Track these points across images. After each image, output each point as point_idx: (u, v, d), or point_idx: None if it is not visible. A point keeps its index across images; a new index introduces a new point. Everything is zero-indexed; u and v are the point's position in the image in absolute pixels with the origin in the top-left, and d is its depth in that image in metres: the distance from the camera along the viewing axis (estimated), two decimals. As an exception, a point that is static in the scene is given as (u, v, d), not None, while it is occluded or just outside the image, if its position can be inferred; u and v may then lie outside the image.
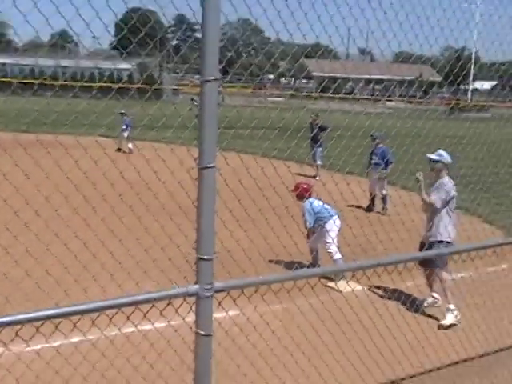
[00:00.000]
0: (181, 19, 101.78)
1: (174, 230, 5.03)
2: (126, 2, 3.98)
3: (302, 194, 11.87)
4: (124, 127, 29.52)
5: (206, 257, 3.70)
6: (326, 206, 11.52)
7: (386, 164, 17.90)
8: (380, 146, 18.50)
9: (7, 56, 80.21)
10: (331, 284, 10.07)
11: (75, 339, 4.77)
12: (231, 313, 5.24)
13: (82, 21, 3.76)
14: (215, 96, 3.63)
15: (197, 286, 3.73)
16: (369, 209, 18.34)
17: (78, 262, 5.93)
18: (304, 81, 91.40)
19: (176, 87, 77.23)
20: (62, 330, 3.83)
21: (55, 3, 3.58)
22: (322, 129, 21.83)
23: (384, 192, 18.33)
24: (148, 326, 4.69)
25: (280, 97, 71.47)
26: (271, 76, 79.37)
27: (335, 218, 11.64)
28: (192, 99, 45.21)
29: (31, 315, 3.39)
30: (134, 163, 4.99)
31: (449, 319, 9.66)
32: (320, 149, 23.06)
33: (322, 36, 4.71)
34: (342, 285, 9.78)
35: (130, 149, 28.01)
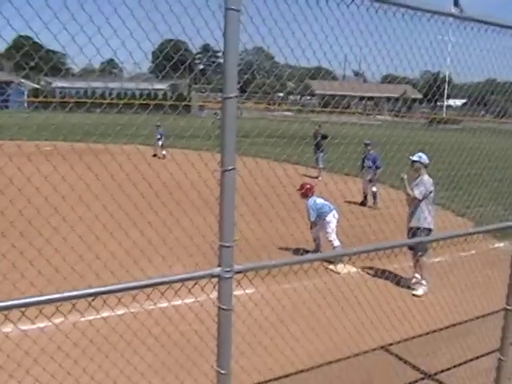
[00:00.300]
0: (206, 47, 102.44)
1: (200, 221, 5.01)
2: (162, 35, 4.00)
3: (306, 192, 11.82)
4: (158, 137, 29.60)
5: (226, 244, 3.69)
6: (326, 202, 11.70)
7: (377, 168, 18.35)
8: (371, 152, 18.59)
9: (66, 81, 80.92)
10: (331, 267, 10.08)
11: (120, 311, 4.76)
12: (248, 291, 5.22)
13: (126, 50, 3.80)
14: (234, 110, 3.62)
15: (219, 269, 3.71)
16: (362, 203, 18.45)
17: (121, 248, 5.92)
18: (308, 97, 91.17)
19: (202, 104, 77.40)
20: (109, 304, 3.85)
21: (104, 36, 3.60)
22: (324, 137, 22.25)
23: (374, 189, 18.35)
24: (179, 302, 4.67)
25: (288, 111, 71.38)
26: (281, 94, 79.38)
27: (334, 212, 11.64)
28: (215, 113, 45.29)
29: (87, 291, 3.39)
30: (168, 167, 4.99)
31: (420, 291, 9.96)
32: (322, 154, 23.20)
33: (323, 60, 4.71)
34: (340, 267, 9.82)
35: (163, 154, 28.06)
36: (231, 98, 3.56)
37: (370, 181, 18.40)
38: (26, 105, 72.52)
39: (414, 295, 9.75)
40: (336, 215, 11.64)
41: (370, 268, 10.33)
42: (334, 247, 11.14)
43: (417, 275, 10.17)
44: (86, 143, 5.47)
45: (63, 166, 4.79)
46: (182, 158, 5.16)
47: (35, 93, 79.39)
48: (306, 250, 11.68)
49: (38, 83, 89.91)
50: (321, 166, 23.60)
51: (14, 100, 71.66)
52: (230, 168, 3.60)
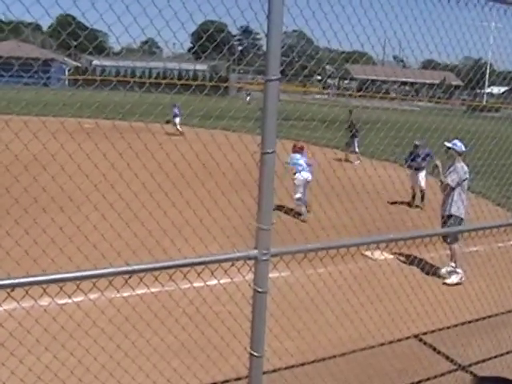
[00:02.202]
0: (246, 29, 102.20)
1: (238, 203, 4.99)
2: (206, 15, 3.99)
3: (295, 150, 13.72)
4: (175, 113, 29.97)
5: (264, 227, 3.67)
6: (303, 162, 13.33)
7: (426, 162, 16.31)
8: (423, 149, 16.37)
9: (107, 59, 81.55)
10: (367, 253, 9.97)
11: (155, 289, 4.78)
12: (283, 274, 5.22)
13: (169, 30, 3.79)
14: (276, 92, 3.59)
15: (256, 251, 3.70)
16: (409, 204, 16.37)
17: (159, 227, 5.95)
18: (347, 82, 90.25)
19: (240, 85, 77.29)
20: (145, 282, 3.88)
21: (149, 16, 3.60)
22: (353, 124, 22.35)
23: (423, 185, 16.49)
24: (214, 282, 4.68)
25: (328, 95, 70.86)
26: (319, 77, 78.79)
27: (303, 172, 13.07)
28: (248, 94, 45.30)
29: (124, 269, 3.43)
30: (208, 148, 4.97)
31: (453, 279, 9.87)
32: (356, 139, 23.29)
33: (364, 45, 4.65)
34: (377, 254, 9.71)
35: (180, 131, 27.45)
36: (273, 80, 3.53)
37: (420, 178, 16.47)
38: (66, 82, 73.39)
39: (444, 283, 9.65)
40: (305, 175, 13.02)
41: (407, 255, 10.22)
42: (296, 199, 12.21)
43: (452, 264, 10.06)
44: (127, 121, 5.46)
45: (104, 144, 4.82)
46: (223, 140, 5.15)
47: (76, 71, 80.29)
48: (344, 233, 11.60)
49: (79, 61, 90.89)
50: (356, 150, 23.51)
51: (55, 78, 72.63)
52: (270, 151, 3.58)
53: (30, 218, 5.75)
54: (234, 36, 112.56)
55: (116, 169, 5.14)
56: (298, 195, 12.69)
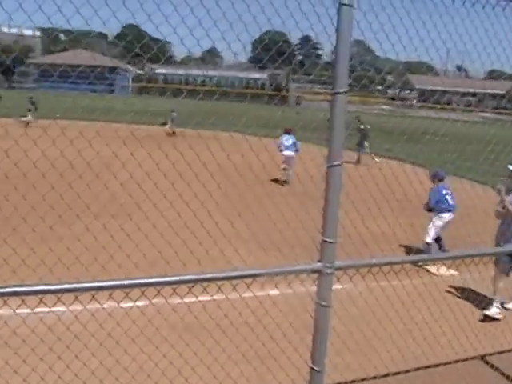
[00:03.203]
0: (306, 39, 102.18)
1: (303, 215, 4.97)
2: (261, 27, 4.00)
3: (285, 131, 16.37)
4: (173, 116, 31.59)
5: (329, 240, 3.64)
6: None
7: None
8: None
9: (168, 68, 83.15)
10: (433, 268, 9.75)
11: (218, 297, 4.81)
12: (346, 286, 5.16)
13: (226, 41, 3.84)
14: (344, 105, 3.57)
15: (320, 264, 3.67)
16: None
17: (224, 237, 5.97)
18: (407, 92, 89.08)
19: (299, 94, 77.32)
20: (208, 291, 3.90)
21: (204, 28, 3.65)
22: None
23: None
24: (277, 292, 4.67)
25: (386, 105, 70.20)
26: (379, 87, 78.08)
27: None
28: (297, 103, 45.81)
29: (176, 278, 3.46)
30: (274, 157, 4.98)
31: (492, 311, 8.24)
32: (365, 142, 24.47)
33: (424, 55, 4.59)
34: (442, 269, 9.49)
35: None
36: (341, 93, 3.51)
37: None
38: (130, 89, 75.00)
39: (484, 315, 8.18)
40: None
41: (474, 273, 9.90)
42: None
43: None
44: (184, 128, 5.53)
45: (157, 152, 4.88)
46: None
47: (139, 78, 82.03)
48: (410, 248, 11.39)
49: (141, 69, 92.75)
50: (368, 151, 24.25)
51: (119, 85, 74.41)
52: (336, 163, 3.55)
53: (82, 224, 5.85)
54: (295, 46, 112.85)
55: (168, 178, 5.20)
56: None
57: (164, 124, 31.84)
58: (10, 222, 5.98)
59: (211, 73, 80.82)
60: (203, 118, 6.51)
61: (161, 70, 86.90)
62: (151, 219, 6.08)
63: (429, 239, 11.03)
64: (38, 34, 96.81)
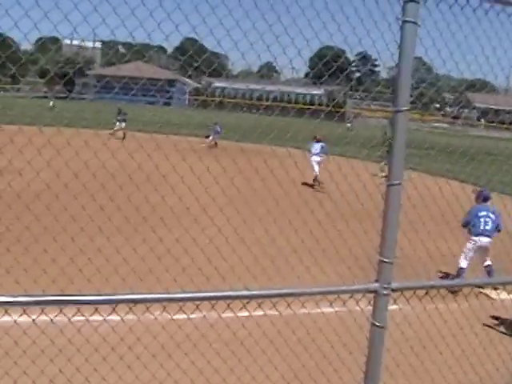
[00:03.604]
0: (363, 55, 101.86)
1: (361, 233, 4.93)
2: (323, 42, 4.01)
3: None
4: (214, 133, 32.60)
5: (387, 260, 3.60)
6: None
7: None
8: None
9: (226, 81, 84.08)
10: (492, 293, 9.46)
11: (271, 312, 4.79)
12: (401, 306, 5.07)
13: (285, 55, 3.87)
14: (406, 124, 3.55)
15: (377, 285, 3.63)
16: None
17: (281, 254, 5.97)
18: (466, 110, 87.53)
19: (357, 111, 77.06)
20: (263, 307, 3.90)
21: (266, 42, 3.67)
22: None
23: None
24: (331, 309, 4.62)
25: (445, 123, 69.21)
26: (438, 105, 76.99)
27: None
28: (349, 120, 46.49)
29: (243, 293, 3.47)
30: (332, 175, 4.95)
31: None
32: None
33: (488, 74, 4.51)
34: (503, 294, 9.18)
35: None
36: (402, 111, 3.48)
37: None
38: (186, 102, 76.10)
39: None
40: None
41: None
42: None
43: None
44: (241, 142, 5.57)
45: (214, 165, 4.91)
46: (334, 167, 5.11)
47: (196, 92, 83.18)
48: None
49: (199, 82, 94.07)
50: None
51: (177, 97, 75.66)
52: (396, 182, 3.52)
53: (140, 236, 5.95)
54: (352, 62, 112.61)
55: (227, 194, 5.24)
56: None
57: (207, 137, 32.67)
58: (51, 232, 6.12)
59: (269, 88, 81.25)
60: (260, 133, 6.53)
61: (218, 84, 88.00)
62: (209, 234, 6.13)
63: (462, 263, 10.21)
64: (98, 45, 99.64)
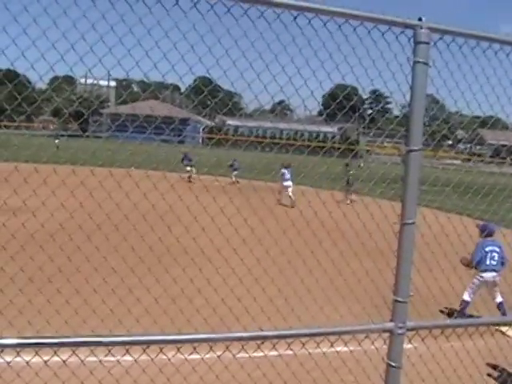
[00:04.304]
0: (374, 92, 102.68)
1: (375, 272, 4.92)
2: (336, 82, 4.07)
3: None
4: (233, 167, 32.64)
5: (401, 299, 3.59)
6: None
7: None
8: None
9: (239, 120, 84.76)
10: (509, 332, 9.31)
11: (285, 352, 4.76)
12: (416, 345, 5.02)
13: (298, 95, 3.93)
14: (418, 163, 3.57)
15: (392, 324, 3.61)
16: None
17: (296, 295, 5.95)
18: (478, 147, 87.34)
19: (369, 148, 77.26)
20: (278, 348, 3.87)
21: (279, 83, 3.72)
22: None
23: None
24: (345, 349, 4.59)
25: (456, 159, 69.23)
26: (450, 141, 77.00)
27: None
28: (360, 157, 46.74)
29: (258, 334, 3.47)
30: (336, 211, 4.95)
31: None
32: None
33: (497, 112, 4.55)
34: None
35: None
36: (416, 150, 3.51)
37: None
38: (200, 141, 76.62)
39: None
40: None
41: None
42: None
43: None
44: (254, 180, 5.62)
45: (230, 207, 4.95)
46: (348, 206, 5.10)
47: (210, 130, 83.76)
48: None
49: (212, 121, 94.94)
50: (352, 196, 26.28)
51: (190, 136, 76.29)
52: (409, 222, 3.54)
53: (153, 277, 5.95)
54: (365, 100, 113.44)
55: (240, 233, 5.26)
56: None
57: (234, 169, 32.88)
58: (64, 272, 6.15)
59: (282, 126, 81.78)
60: (273, 171, 6.57)
61: (231, 122, 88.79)
62: (222, 274, 6.14)
63: (465, 296, 9.93)
64: (112, 84, 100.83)
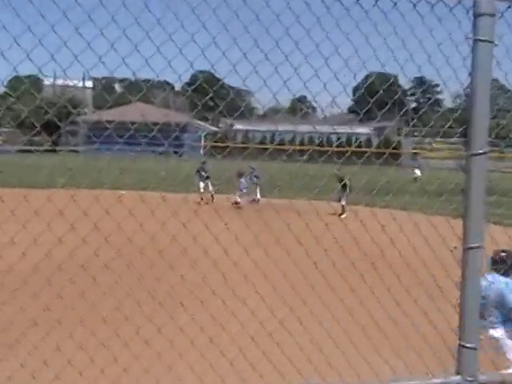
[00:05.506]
0: (420, 81, 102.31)
1: (433, 311, 4.87)
2: (366, 66, 4.00)
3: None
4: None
5: (469, 345, 3.53)
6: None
7: None
8: None
9: (249, 123, 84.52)
10: None
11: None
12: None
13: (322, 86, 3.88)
14: (484, 170, 3.50)
15: (458, 377, 3.56)
16: None
17: (338, 350, 5.92)
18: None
19: (415, 151, 77.18)
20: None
21: (302, 77, 3.70)
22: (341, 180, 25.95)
23: None
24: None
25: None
26: (516, 138, 76.69)
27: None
28: (416, 166, 46.18)
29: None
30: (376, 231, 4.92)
31: None
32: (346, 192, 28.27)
33: None
34: None
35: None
36: (480, 154, 3.44)
37: None
38: (201, 151, 76.56)
39: None
40: None
41: None
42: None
43: None
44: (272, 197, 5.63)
45: (247, 236, 4.92)
46: (394, 226, 5.05)
47: (214, 137, 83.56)
48: None
49: (216, 125, 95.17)
50: (343, 203, 28.43)
51: (189, 145, 76.44)
52: (474, 245, 3.47)
53: (155, 326, 5.95)
54: (407, 91, 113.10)
55: (260, 266, 5.27)
56: None
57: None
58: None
59: (302, 128, 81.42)
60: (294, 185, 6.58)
61: (240, 126, 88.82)
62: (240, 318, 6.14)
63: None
64: (88, 84, 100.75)
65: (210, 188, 31.96)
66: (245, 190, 31.66)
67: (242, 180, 31.34)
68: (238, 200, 30.69)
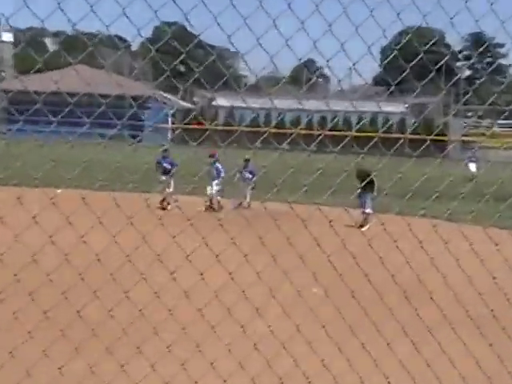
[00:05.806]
0: (477, 38, 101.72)
1: (492, 360, 4.93)
2: (400, 18, 3.98)
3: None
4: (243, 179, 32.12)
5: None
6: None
7: None
8: None
9: (236, 97, 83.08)
10: None
11: None
12: None
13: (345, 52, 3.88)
14: None
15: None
16: None
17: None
18: None
19: (467, 137, 77.22)
20: None
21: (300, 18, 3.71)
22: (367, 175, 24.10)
23: None
24: None
25: None
26: None
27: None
28: (469, 158, 45.99)
29: None
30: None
31: None
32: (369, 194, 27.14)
33: None
34: None
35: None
36: None
37: None
38: (169, 135, 75.50)
39: None
40: None
41: None
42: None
43: None
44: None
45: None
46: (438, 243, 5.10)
47: (186, 115, 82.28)
48: None
49: (189, 100, 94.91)
50: (367, 209, 27.18)
51: (151, 126, 75.94)
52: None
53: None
54: (457, 52, 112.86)
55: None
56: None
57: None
58: None
59: (310, 105, 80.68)
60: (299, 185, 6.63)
61: (223, 101, 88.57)
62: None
63: None
64: (8, 38, 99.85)
65: (171, 189, 30.04)
66: (220, 179, 29.89)
67: (218, 165, 29.92)
68: (213, 200, 30.20)
